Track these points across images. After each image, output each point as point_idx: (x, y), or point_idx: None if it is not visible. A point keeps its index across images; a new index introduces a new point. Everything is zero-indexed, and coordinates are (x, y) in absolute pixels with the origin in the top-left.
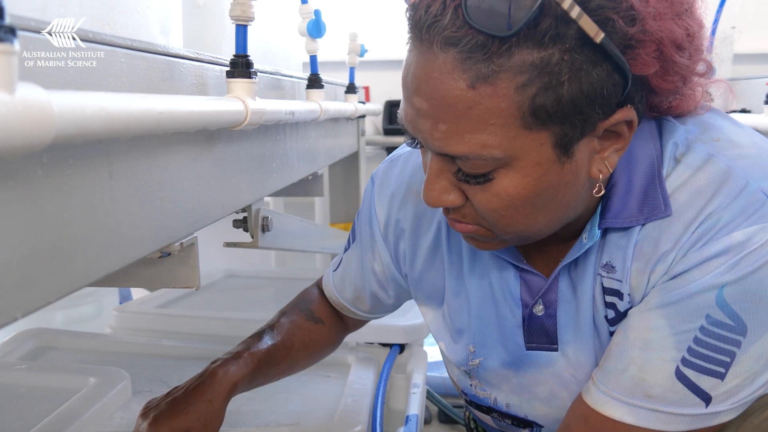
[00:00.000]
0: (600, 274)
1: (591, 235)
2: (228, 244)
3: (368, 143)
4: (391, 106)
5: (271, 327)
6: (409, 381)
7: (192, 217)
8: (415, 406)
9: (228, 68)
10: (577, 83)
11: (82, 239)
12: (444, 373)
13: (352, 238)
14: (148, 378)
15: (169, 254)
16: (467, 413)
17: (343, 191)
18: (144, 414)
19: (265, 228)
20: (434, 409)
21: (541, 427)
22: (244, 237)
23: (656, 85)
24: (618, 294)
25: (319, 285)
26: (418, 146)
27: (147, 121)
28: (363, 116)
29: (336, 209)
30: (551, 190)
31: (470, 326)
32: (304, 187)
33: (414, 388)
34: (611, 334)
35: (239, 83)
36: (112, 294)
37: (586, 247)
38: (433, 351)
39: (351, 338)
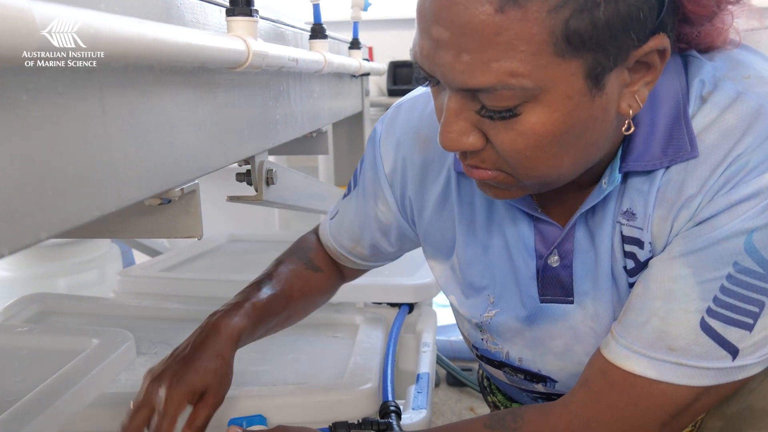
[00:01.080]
0: (619, 222)
1: (611, 180)
2: (231, 198)
3: (372, 105)
4: (396, 67)
5: (269, 276)
6: (419, 341)
7: (192, 163)
8: (426, 364)
9: (227, 7)
10: (613, 5)
11: (74, 175)
12: (452, 337)
13: (353, 185)
14: (152, 340)
15: (170, 201)
16: (480, 372)
17: (347, 153)
18: (157, 378)
19: (269, 181)
20: (442, 372)
21: (555, 382)
22: (248, 192)
23: (690, 10)
24: (638, 243)
25: (316, 232)
26: (434, 84)
27: (139, 47)
28: (367, 74)
29: (340, 171)
30: (580, 127)
31: (485, 278)
32: (309, 144)
33: (424, 347)
34: (630, 285)
35: (240, 21)
36: (115, 260)
37: (606, 192)
38: (441, 313)
39: (358, 298)
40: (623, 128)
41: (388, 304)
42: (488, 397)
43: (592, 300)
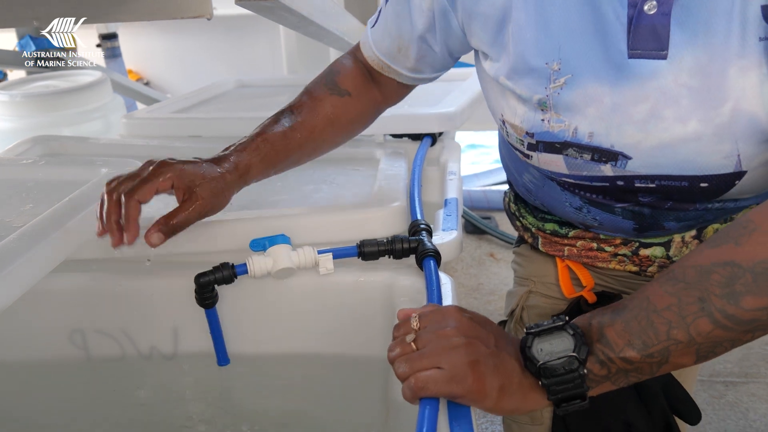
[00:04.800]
0: None
1: None
2: (239, 2)
3: None
4: None
5: (291, 108)
6: (444, 172)
7: None
8: (454, 190)
9: None
10: None
11: None
12: (470, 187)
13: None
14: None
15: None
16: (507, 198)
17: None
18: (153, 160)
19: None
20: (461, 221)
21: (628, 159)
22: None
23: None
24: None
25: (353, 52)
26: None
27: None
28: None
29: None
30: None
31: (552, 39)
32: None
33: (450, 175)
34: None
35: None
36: (119, 110)
37: None
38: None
39: (378, 131)
40: None
41: (409, 137)
42: (516, 222)
43: (693, 50)
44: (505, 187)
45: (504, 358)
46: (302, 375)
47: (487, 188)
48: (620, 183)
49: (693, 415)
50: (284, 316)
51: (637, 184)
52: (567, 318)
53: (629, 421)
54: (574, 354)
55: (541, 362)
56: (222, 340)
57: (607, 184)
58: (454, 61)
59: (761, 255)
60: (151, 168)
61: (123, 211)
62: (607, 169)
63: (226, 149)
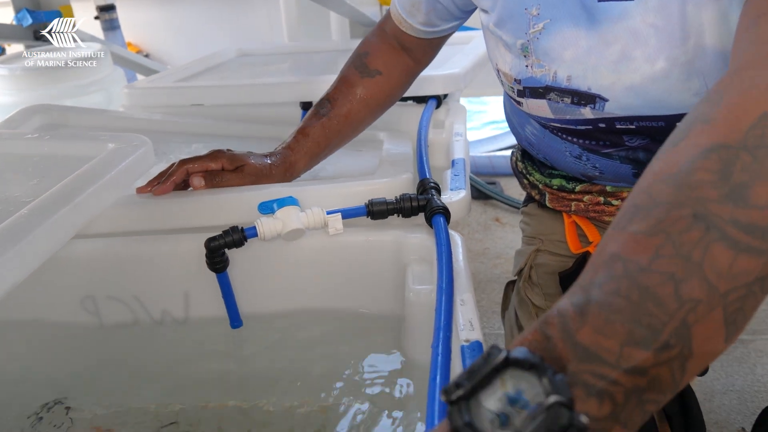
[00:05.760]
0: None
1: None
2: None
3: None
4: None
5: (327, 98)
6: (450, 134)
7: None
8: (460, 151)
9: None
10: None
11: None
12: (475, 153)
13: None
14: (164, 152)
15: None
16: (514, 158)
17: None
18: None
19: None
20: None
21: (605, 101)
22: None
23: None
24: None
25: (380, 25)
26: None
27: None
28: None
29: None
30: None
31: None
32: None
33: (457, 136)
34: None
35: None
36: (119, 82)
37: None
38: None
39: None
40: None
41: (414, 101)
42: (524, 180)
43: None
44: (509, 153)
45: None
46: (314, 333)
47: (492, 154)
48: (602, 125)
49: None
50: (295, 277)
51: (618, 126)
52: (496, 344)
53: None
54: (555, 398)
55: None
56: (234, 302)
57: (590, 127)
58: (464, 15)
59: (748, 118)
60: (208, 151)
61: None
62: (587, 112)
63: (276, 148)
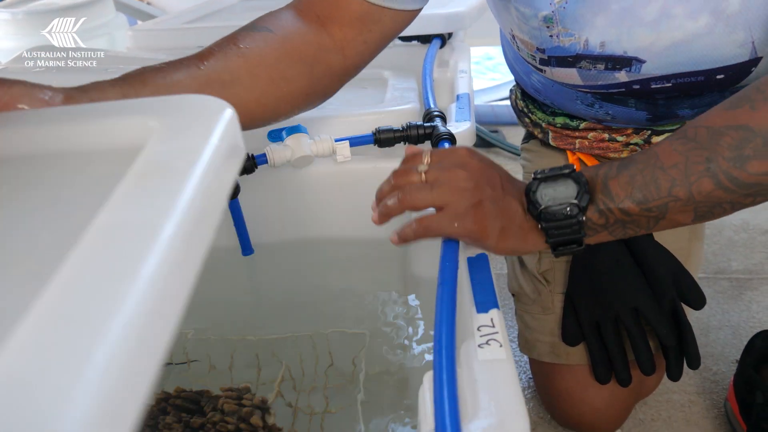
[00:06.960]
0: None
1: None
2: None
3: None
4: None
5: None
6: (455, 73)
7: None
8: (465, 86)
9: None
10: None
11: None
12: (477, 102)
13: None
14: None
15: None
16: (514, 95)
17: None
18: None
19: None
20: None
21: (642, 62)
22: None
23: None
24: None
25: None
26: None
27: None
28: None
29: None
30: None
31: None
32: None
33: (461, 73)
34: None
35: None
36: (122, 28)
37: None
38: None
39: None
40: None
41: (419, 41)
42: (525, 119)
43: None
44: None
45: (508, 201)
46: (324, 258)
47: (495, 103)
48: (636, 87)
49: (698, 302)
50: (304, 204)
51: (653, 86)
52: (574, 167)
53: (639, 309)
54: (575, 201)
55: (542, 206)
56: (245, 229)
57: (623, 90)
58: None
59: None
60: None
61: None
62: (621, 76)
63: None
